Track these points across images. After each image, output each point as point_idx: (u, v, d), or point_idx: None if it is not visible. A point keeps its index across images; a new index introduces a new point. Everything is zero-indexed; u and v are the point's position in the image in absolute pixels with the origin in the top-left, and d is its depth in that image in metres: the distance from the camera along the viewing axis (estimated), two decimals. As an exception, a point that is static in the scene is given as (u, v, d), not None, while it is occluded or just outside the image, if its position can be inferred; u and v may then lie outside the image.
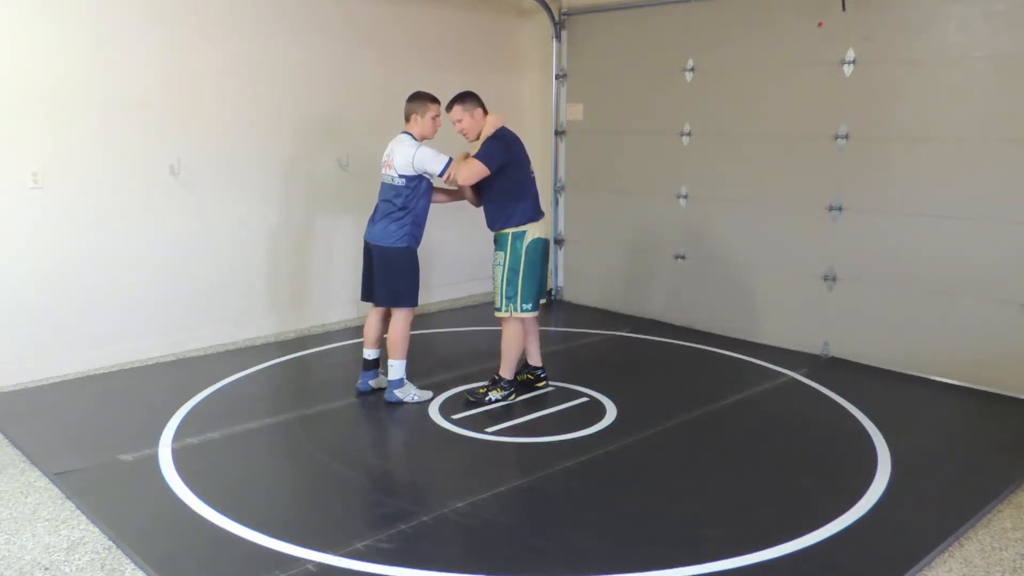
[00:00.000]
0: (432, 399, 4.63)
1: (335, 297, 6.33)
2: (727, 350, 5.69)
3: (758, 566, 2.97)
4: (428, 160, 4.37)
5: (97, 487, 3.58)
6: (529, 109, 7.36)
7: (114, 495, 3.52)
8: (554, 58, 6.97)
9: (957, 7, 4.82)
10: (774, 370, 5.26)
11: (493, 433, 4.20)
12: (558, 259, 7.20)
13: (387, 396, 4.59)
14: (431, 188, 4.54)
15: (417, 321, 5.26)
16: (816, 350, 5.60)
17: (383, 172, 4.51)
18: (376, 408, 4.58)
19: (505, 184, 4.48)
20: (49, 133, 4.88)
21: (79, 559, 3.05)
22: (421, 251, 4.60)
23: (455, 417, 4.39)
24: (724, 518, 3.35)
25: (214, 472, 3.75)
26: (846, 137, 5.31)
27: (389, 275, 4.50)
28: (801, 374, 5.17)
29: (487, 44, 7.11)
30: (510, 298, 4.53)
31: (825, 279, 5.52)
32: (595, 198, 6.92)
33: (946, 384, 5.00)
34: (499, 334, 4.69)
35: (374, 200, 4.58)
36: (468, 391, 4.69)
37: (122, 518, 3.31)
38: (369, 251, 4.59)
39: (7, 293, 4.82)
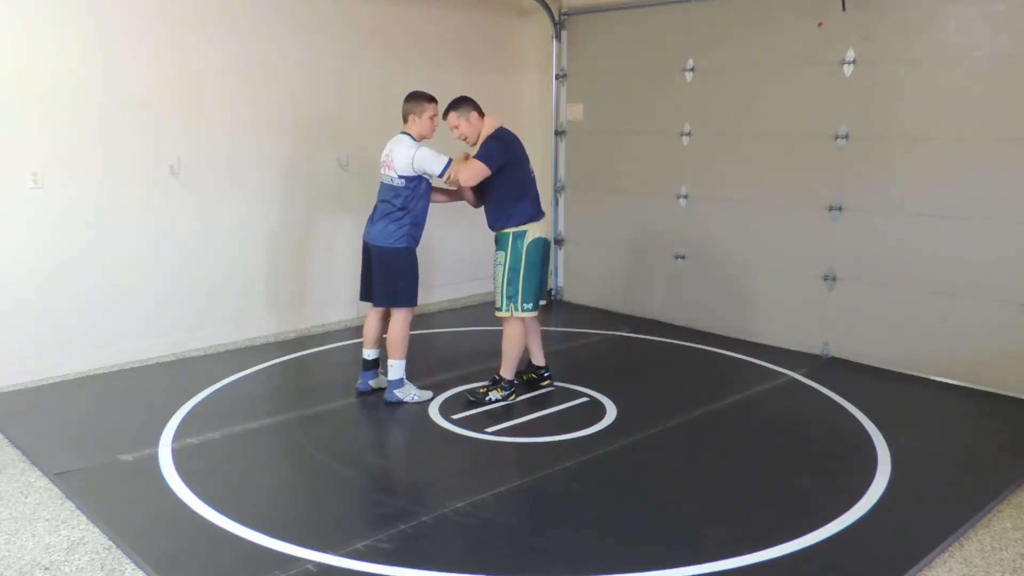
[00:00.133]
0: (432, 399, 4.63)
1: (335, 297, 6.33)
2: (727, 350, 5.69)
3: (758, 566, 2.97)
4: (428, 161, 4.37)
5: (97, 487, 3.58)
6: (529, 109, 7.36)
7: (114, 495, 3.52)
8: (554, 58, 6.97)
9: (957, 7, 4.82)
10: (774, 370, 5.26)
11: (493, 433, 4.20)
12: (558, 259, 7.20)
13: (387, 396, 4.59)
14: (430, 188, 4.54)
15: (417, 321, 5.27)
16: (816, 350, 5.60)
17: (382, 172, 4.51)
18: (376, 408, 4.58)
19: (505, 184, 4.48)
20: (49, 133, 4.88)
21: (79, 559, 3.05)
22: (421, 251, 4.60)
23: (455, 417, 4.39)
24: (724, 518, 3.35)
25: (214, 472, 3.75)
26: (846, 137, 5.31)
27: (388, 275, 4.49)
28: (801, 374, 5.17)
29: (487, 44, 7.11)
30: (511, 297, 4.53)
31: (825, 279, 5.52)
32: (595, 198, 6.92)
33: (946, 384, 5.00)
34: (499, 334, 4.69)
35: (374, 200, 4.58)
36: (468, 391, 4.69)
37: (122, 518, 3.31)
38: (368, 251, 4.59)
39: (7, 293, 4.82)
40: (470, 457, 4.01)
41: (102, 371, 5.12)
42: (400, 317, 4.54)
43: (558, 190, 7.12)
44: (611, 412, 4.47)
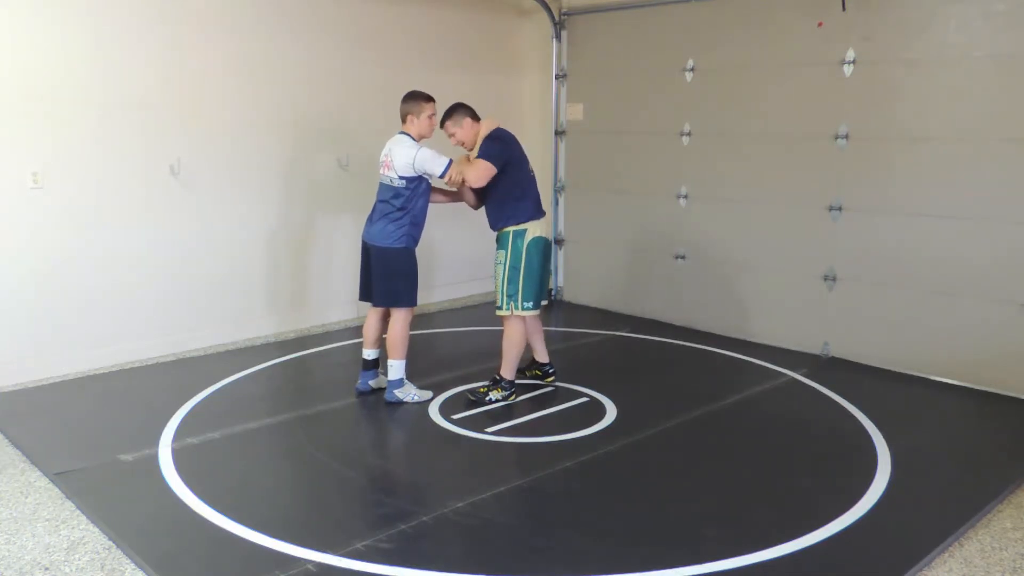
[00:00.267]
0: (432, 399, 4.63)
1: (335, 297, 6.33)
2: (727, 350, 5.69)
3: (758, 566, 2.97)
4: (429, 161, 4.37)
5: (97, 487, 3.58)
6: (529, 109, 7.36)
7: (114, 495, 3.52)
8: (554, 58, 6.97)
9: (957, 7, 4.82)
10: (774, 370, 5.26)
11: (493, 433, 4.20)
12: (558, 259, 7.20)
13: (387, 396, 4.59)
14: (430, 188, 4.54)
15: (417, 321, 5.27)
16: (816, 350, 5.60)
17: (381, 172, 4.50)
18: (376, 408, 4.58)
19: (506, 184, 4.49)
20: (49, 133, 4.88)
21: (79, 559, 3.05)
22: (421, 251, 4.60)
23: (455, 417, 4.39)
24: (724, 518, 3.35)
25: (214, 472, 3.75)
26: (846, 137, 5.31)
27: (387, 275, 4.49)
28: (801, 374, 5.17)
29: (487, 44, 7.11)
30: (511, 296, 4.53)
31: (825, 279, 5.52)
32: (595, 198, 6.92)
33: (946, 384, 5.00)
34: (500, 334, 4.69)
35: (374, 200, 4.58)
36: (469, 391, 4.69)
37: (122, 518, 3.31)
38: (367, 251, 4.59)
39: (7, 293, 4.82)
40: (470, 457, 4.01)
41: (102, 371, 5.12)
42: (400, 317, 4.54)
43: (558, 190, 7.12)
44: (611, 412, 4.47)
